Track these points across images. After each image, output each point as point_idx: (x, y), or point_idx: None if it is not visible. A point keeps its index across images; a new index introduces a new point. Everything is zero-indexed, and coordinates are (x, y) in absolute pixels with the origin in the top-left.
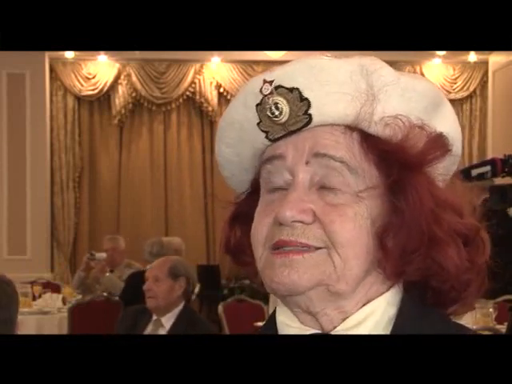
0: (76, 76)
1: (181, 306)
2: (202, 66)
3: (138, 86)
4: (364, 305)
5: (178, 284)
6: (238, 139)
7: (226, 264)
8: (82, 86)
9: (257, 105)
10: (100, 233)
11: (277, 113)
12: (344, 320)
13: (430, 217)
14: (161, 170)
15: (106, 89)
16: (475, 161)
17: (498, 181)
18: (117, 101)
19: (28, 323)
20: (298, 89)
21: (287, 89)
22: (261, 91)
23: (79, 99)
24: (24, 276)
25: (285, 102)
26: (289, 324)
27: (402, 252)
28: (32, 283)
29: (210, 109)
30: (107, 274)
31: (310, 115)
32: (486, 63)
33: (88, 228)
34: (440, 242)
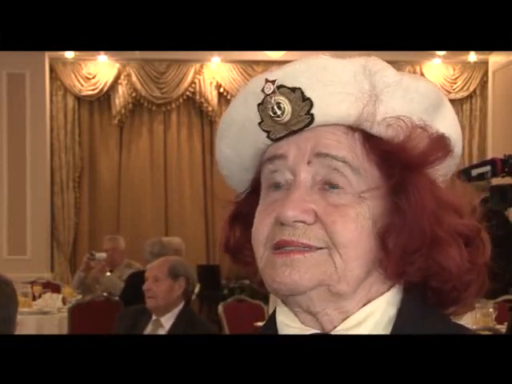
0: (76, 76)
1: (180, 306)
2: (202, 66)
3: (138, 85)
4: (364, 305)
5: (178, 284)
6: (238, 138)
7: (226, 263)
8: (81, 86)
9: (258, 104)
10: (100, 233)
11: (279, 112)
12: (344, 320)
13: (431, 217)
14: (161, 170)
15: (105, 89)
16: (475, 161)
17: (498, 181)
18: (117, 101)
19: (28, 323)
20: (300, 88)
21: (289, 88)
22: (263, 91)
23: (79, 99)
24: (24, 276)
25: (287, 101)
26: (289, 324)
27: (404, 252)
28: (32, 283)
29: (210, 109)
30: (107, 274)
31: (312, 115)
32: (486, 63)
33: (88, 228)
34: (441, 242)
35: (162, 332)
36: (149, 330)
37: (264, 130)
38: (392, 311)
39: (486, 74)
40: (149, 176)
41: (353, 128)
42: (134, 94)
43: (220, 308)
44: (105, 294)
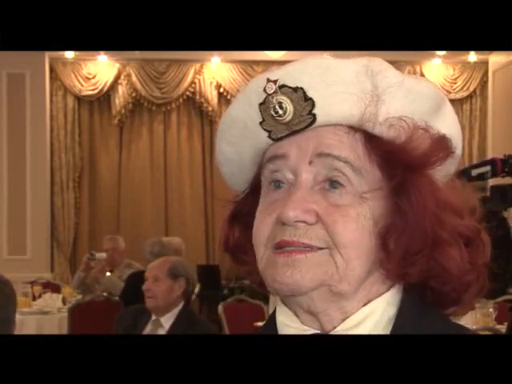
0: (76, 76)
1: (180, 306)
2: (202, 66)
3: (138, 85)
4: (365, 305)
5: (178, 284)
6: (239, 138)
7: (226, 263)
8: (82, 85)
9: (260, 104)
10: (100, 233)
11: (281, 112)
12: (344, 320)
13: (433, 218)
14: (161, 170)
15: (105, 89)
16: (475, 161)
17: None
18: (117, 101)
19: (28, 323)
20: (302, 88)
21: (291, 88)
22: (265, 90)
23: (79, 99)
24: (24, 276)
25: (289, 101)
26: (288, 324)
27: (405, 253)
28: (32, 283)
29: (210, 109)
30: (107, 274)
31: (314, 115)
32: (486, 63)
33: (88, 228)
34: (443, 243)
35: (161, 332)
36: (148, 329)
37: (265, 130)
38: (392, 311)
39: (486, 74)
40: (149, 176)
41: (354, 128)
42: (133, 94)
43: (220, 308)
44: (105, 294)
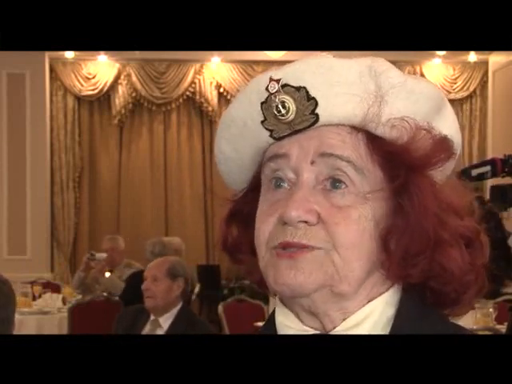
0: (76, 76)
1: (179, 307)
2: (202, 66)
3: (138, 85)
4: (365, 305)
5: (177, 284)
6: (239, 136)
7: (226, 263)
8: (82, 85)
9: (262, 103)
10: (100, 233)
11: (283, 111)
12: (344, 320)
13: (434, 219)
14: (161, 170)
15: (106, 89)
16: (475, 161)
17: (498, 181)
18: (117, 101)
19: (28, 323)
20: (305, 88)
21: (294, 87)
22: (267, 89)
23: (79, 99)
24: (24, 276)
25: (291, 100)
26: (288, 325)
27: (406, 254)
28: (32, 283)
29: (210, 109)
30: (107, 275)
31: (316, 115)
32: (486, 63)
33: (88, 228)
34: (444, 244)
35: (160, 332)
36: (147, 329)
37: (267, 129)
38: (390, 312)
39: (486, 74)
40: (149, 176)
41: (357, 128)
42: (134, 94)
43: (220, 308)
44: (105, 293)
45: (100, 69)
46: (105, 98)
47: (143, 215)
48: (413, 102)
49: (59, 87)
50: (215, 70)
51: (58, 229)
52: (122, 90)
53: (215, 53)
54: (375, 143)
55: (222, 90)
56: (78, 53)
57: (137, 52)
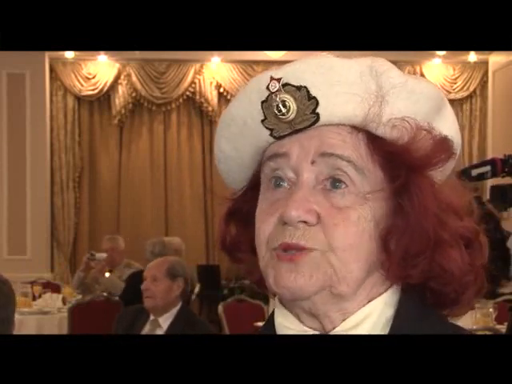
0: (76, 76)
1: (178, 307)
2: (202, 66)
3: (138, 85)
4: (365, 305)
5: (176, 284)
6: (239, 135)
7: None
8: (82, 85)
9: (262, 102)
10: (100, 233)
11: (284, 110)
12: (343, 321)
13: (434, 220)
14: (161, 170)
15: (106, 89)
16: (475, 161)
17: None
18: (117, 101)
19: (28, 323)
20: (305, 87)
21: (295, 87)
22: (268, 88)
23: (79, 99)
24: (24, 276)
25: (292, 99)
26: (287, 326)
27: (406, 255)
28: (32, 283)
29: (210, 109)
30: (107, 275)
31: (317, 114)
32: (486, 63)
33: (88, 228)
34: (444, 244)
35: (159, 332)
36: (146, 329)
37: (267, 128)
38: (389, 312)
39: (486, 74)
40: (149, 176)
41: (357, 128)
42: (134, 94)
43: (220, 308)
44: (105, 293)
45: (100, 69)
46: (105, 97)
47: (143, 215)
48: (413, 102)
49: (59, 87)
50: (215, 70)
51: (58, 229)
52: (121, 89)
53: (215, 53)
54: (376, 143)
55: (221, 89)
56: (77, 53)
57: (137, 52)
